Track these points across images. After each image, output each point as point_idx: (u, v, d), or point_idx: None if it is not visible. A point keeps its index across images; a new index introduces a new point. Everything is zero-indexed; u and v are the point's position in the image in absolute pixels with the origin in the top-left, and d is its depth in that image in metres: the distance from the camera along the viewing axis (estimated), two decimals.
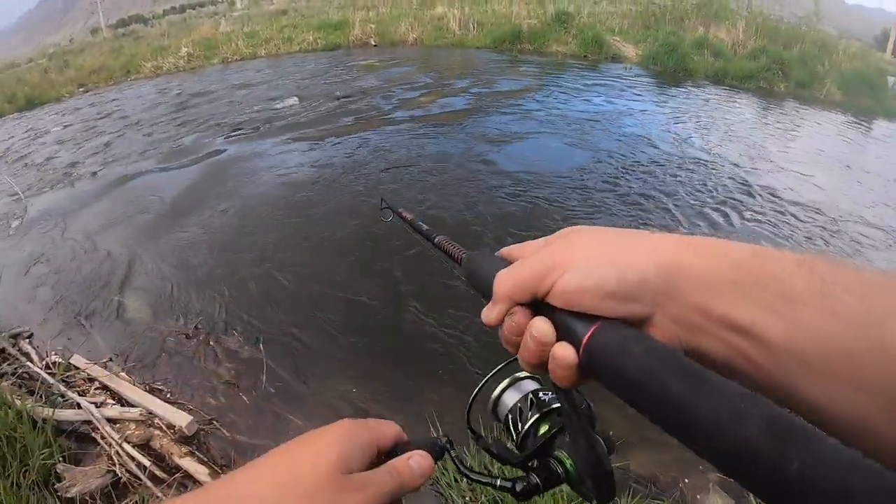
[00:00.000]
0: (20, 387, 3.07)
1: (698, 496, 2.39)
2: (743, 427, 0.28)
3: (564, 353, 0.42)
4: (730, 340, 0.38)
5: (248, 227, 4.94)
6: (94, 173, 7.25)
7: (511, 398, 0.60)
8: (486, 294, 0.51)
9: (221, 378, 3.19)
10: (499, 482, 0.54)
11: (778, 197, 5.32)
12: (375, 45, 14.98)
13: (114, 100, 12.55)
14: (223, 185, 5.98)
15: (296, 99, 9.38)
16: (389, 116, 7.89)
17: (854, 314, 0.33)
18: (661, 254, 0.42)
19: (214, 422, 2.88)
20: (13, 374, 3.19)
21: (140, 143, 8.30)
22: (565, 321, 0.43)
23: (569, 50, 12.44)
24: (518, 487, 0.53)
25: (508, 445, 0.58)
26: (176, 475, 2.52)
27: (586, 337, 0.40)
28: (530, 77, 10.06)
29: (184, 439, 2.73)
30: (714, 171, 5.84)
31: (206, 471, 2.53)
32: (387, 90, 9.48)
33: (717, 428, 0.30)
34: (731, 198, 5.23)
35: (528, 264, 0.46)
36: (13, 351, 3.40)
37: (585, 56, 11.96)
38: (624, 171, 5.73)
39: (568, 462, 0.52)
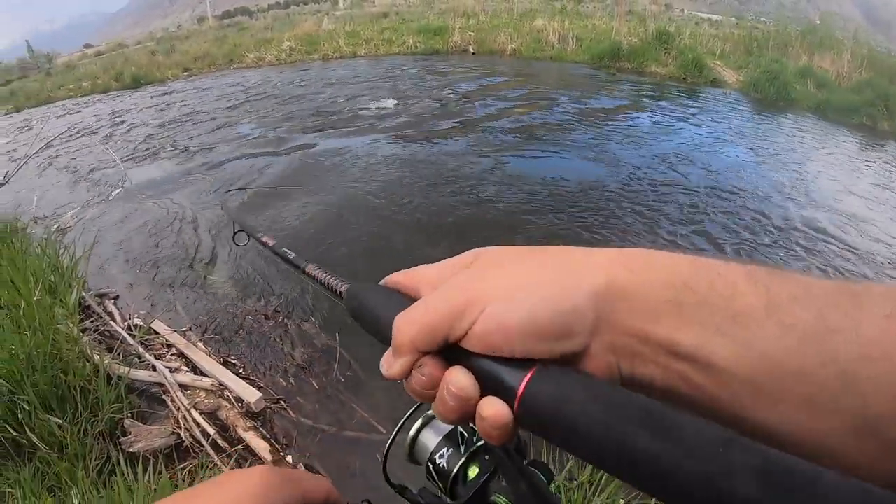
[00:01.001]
0: (100, 343, 3.14)
1: None
2: (733, 482, 0.24)
3: (495, 411, 0.34)
4: (671, 366, 0.33)
5: (337, 220, 4.94)
6: (191, 152, 7.57)
7: (430, 440, 0.52)
8: (380, 338, 0.43)
9: (294, 361, 3.17)
10: None
11: (846, 245, 4.74)
12: (473, 53, 14.95)
13: (215, 86, 13.14)
14: (314, 177, 6.05)
15: (393, 100, 9.46)
16: (484, 124, 7.80)
17: (804, 326, 0.30)
18: (593, 276, 0.35)
19: (282, 401, 2.85)
20: (95, 331, 3.26)
21: (237, 129, 8.62)
22: (490, 371, 0.35)
23: (668, 71, 12.03)
24: None
25: (438, 494, 0.51)
26: (237, 447, 2.49)
27: (520, 388, 0.33)
28: (626, 96, 9.75)
29: (250, 414, 2.70)
30: (790, 208, 5.38)
31: (268, 447, 2.49)
32: (482, 97, 9.43)
33: (702, 486, 0.25)
34: (803, 241, 4.76)
35: (435, 304, 0.37)
36: (98, 309, 3.49)
37: (684, 78, 11.53)
38: (704, 202, 5.43)
39: None
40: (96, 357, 2.72)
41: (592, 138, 7.14)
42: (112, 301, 3.73)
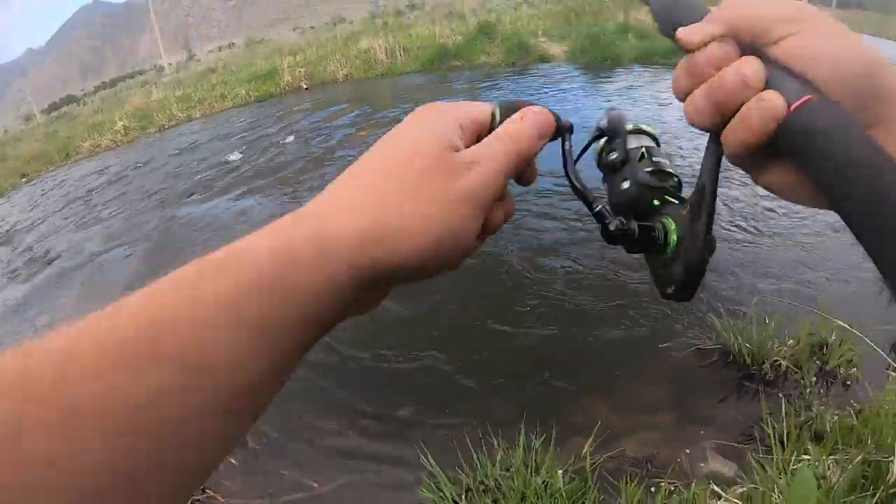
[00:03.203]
0: None
1: (700, 464, 2.36)
2: None
3: (774, 98, 0.33)
4: None
5: None
6: (46, 261, 7.03)
7: (631, 143, 0.50)
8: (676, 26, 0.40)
9: None
10: (598, 206, 0.45)
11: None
12: (307, 88, 14.79)
13: (56, 185, 12.20)
14: (182, 252, 5.81)
15: (237, 154, 9.22)
16: (331, 155, 7.84)
17: None
18: (879, 63, 0.35)
19: (208, 490, 2.75)
20: None
21: (89, 226, 8.02)
22: (783, 75, 0.34)
23: (496, 59, 12.47)
24: (612, 225, 0.43)
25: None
26: None
27: (803, 97, 0.33)
28: (461, 92, 10.16)
29: None
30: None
31: None
32: (324, 129, 9.43)
33: None
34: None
35: (767, 2, 0.37)
36: None
37: (513, 63, 11.98)
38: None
39: (674, 235, 0.42)
40: None
41: None
42: None
